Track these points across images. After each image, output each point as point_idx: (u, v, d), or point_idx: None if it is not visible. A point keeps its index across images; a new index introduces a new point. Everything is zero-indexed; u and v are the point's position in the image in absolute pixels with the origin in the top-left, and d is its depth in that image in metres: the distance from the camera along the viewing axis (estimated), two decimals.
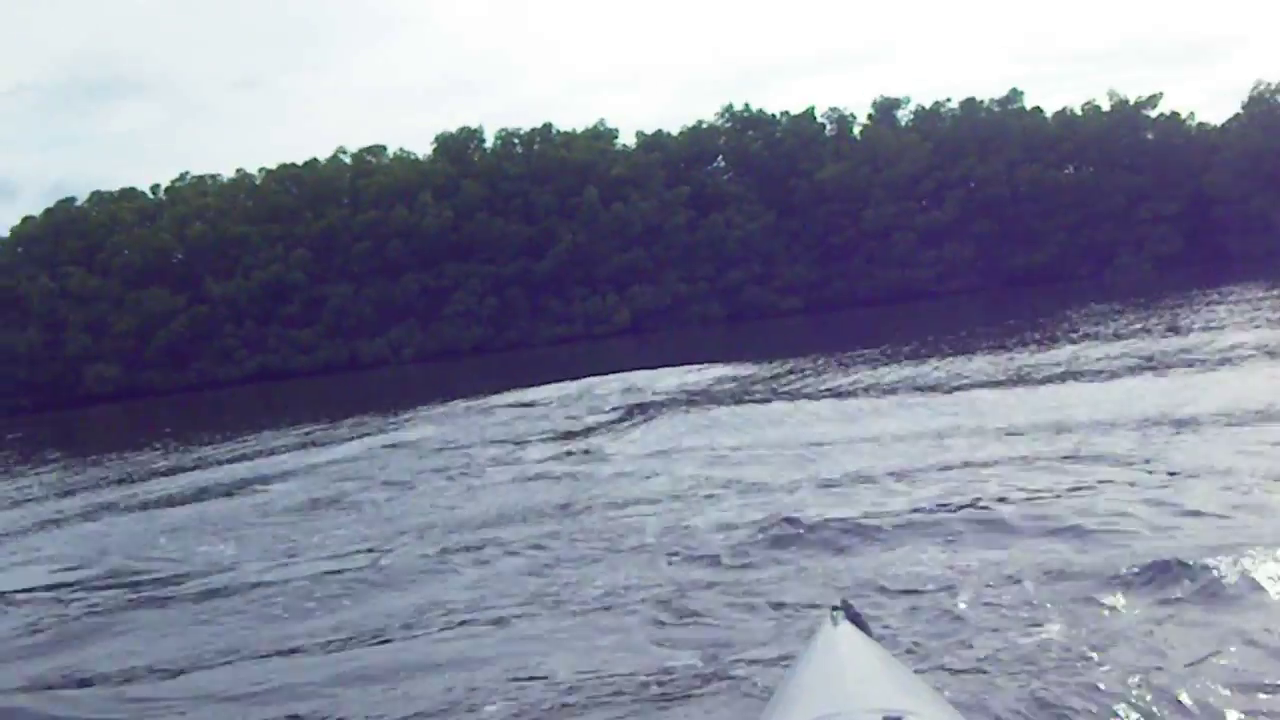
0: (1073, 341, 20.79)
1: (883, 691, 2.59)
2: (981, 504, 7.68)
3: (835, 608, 3.25)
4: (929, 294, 57.61)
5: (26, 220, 65.49)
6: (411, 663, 5.79)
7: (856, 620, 3.26)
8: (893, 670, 2.96)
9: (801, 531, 7.39)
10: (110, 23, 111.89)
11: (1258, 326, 19.15)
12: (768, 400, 16.66)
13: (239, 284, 61.68)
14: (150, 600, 7.96)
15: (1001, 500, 7.73)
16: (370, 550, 8.80)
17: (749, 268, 60.61)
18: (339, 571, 8.08)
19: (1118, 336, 20.60)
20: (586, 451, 13.22)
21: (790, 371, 21.03)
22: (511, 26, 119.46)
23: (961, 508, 7.62)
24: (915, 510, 7.71)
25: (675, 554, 7.34)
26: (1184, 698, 4.19)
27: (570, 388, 21.94)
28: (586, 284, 60.75)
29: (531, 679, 5.31)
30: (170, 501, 13.38)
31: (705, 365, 23.87)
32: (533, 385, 23.53)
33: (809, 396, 16.39)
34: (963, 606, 5.50)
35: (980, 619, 5.30)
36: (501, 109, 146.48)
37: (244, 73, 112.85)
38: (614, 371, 24.13)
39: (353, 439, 17.97)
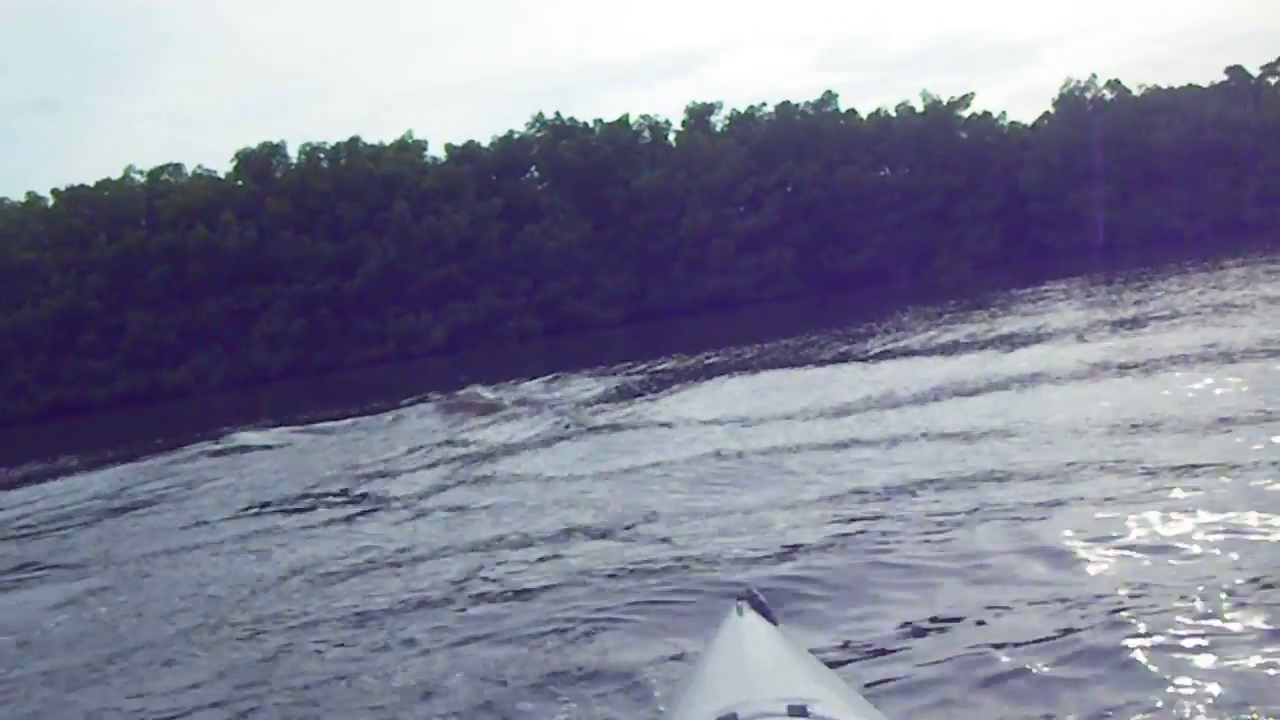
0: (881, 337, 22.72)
1: (788, 680, 2.59)
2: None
3: (740, 598, 3.24)
4: (750, 300, 56.83)
5: None
6: None
7: (761, 609, 3.24)
8: (798, 658, 2.95)
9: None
10: None
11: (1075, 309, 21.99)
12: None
13: (29, 313, 58.02)
14: None
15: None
16: None
17: (567, 280, 58.96)
18: None
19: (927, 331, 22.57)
20: None
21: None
22: (315, 45, 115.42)
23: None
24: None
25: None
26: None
27: None
28: (399, 302, 58.47)
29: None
30: None
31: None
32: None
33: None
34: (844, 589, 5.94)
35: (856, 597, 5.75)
36: (307, 128, 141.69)
37: (41, 95, 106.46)
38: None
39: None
